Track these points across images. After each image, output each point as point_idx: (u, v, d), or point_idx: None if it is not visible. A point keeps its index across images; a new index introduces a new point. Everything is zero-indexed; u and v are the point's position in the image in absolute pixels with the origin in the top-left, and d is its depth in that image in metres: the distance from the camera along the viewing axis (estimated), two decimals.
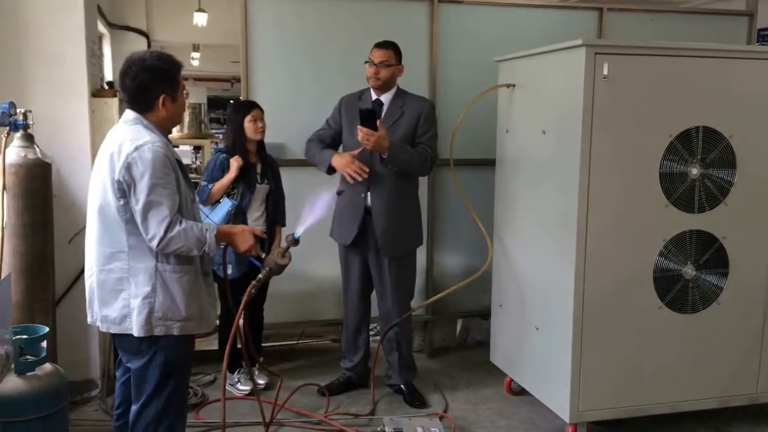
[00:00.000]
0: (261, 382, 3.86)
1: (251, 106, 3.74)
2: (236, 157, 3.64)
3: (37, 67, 3.46)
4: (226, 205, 3.60)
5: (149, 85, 2.32)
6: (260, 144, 3.78)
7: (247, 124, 3.68)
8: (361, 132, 3.31)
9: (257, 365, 3.90)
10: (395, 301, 3.67)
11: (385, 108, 3.59)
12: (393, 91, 3.61)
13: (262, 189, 3.76)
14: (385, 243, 3.57)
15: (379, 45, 3.55)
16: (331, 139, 3.70)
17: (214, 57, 9.69)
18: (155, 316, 2.30)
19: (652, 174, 3.07)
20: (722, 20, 4.70)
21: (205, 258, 2.43)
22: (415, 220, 3.72)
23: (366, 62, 3.55)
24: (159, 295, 2.30)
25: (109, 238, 2.32)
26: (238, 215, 3.61)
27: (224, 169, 3.65)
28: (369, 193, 3.55)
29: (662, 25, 4.56)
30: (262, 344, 4.13)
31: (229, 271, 3.40)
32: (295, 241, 2.54)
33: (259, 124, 3.70)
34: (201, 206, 3.56)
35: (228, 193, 3.64)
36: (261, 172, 3.77)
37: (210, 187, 3.62)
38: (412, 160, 3.49)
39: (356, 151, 3.47)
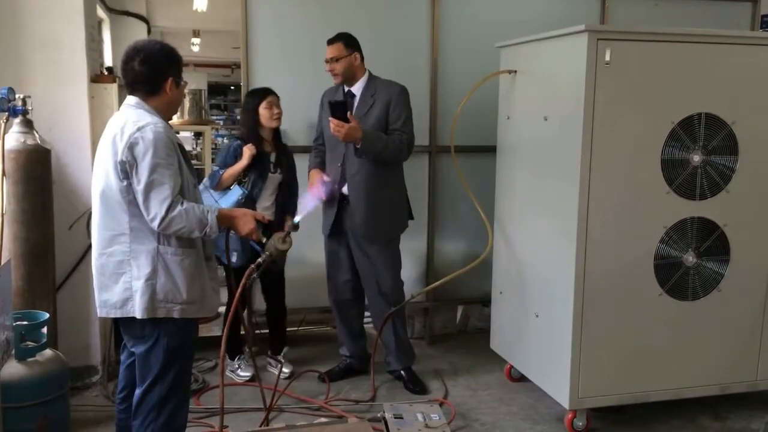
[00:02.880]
0: (286, 370, 3.79)
1: (266, 92, 3.69)
2: (249, 145, 3.61)
3: (36, 53, 3.44)
4: (236, 193, 3.57)
5: (161, 66, 2.37)
6: (276, 132, 3.74)
7: (262, 110, 3.65)
8: (332, 124, 3.30)
9: (281, 354, 3.93)
10: (380, 288, 3.66)
11: (357, 98, 3.57)
12: (364, 79, 3.58)
13: (274, 178, 3.72)
14: (364, 231, 3.56)
15: (329, 41, 3.55)
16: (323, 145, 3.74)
17: (215, 43, 9.62)
18: (157, 298, 2.31)
19: (653, 161, 3.06)
20: (726, 6, 4.67)
21: (207, 242, 2.44)
22: (396, 206, 3.68)
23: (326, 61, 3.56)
24: (161, 277, 2.31)
25: (111, 221, 2.32)
26: (248, 203, 3.55)
27: (237, 156, 3.62)
28: (346, 183, 3.55)
29: (665, 11, 4.54)
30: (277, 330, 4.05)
31: (234, 259, 3.40)
32: (295, 227, 2.54)
33: (275, 111, 3.66)
34: (211, 191, 3.55)
35: (239, 180, 3.62)
36: (275, 161, 3.73)
37: (221, 172, 3.60)
38: (387, 148, 3.46)
39: (326, 177, 3.54)
